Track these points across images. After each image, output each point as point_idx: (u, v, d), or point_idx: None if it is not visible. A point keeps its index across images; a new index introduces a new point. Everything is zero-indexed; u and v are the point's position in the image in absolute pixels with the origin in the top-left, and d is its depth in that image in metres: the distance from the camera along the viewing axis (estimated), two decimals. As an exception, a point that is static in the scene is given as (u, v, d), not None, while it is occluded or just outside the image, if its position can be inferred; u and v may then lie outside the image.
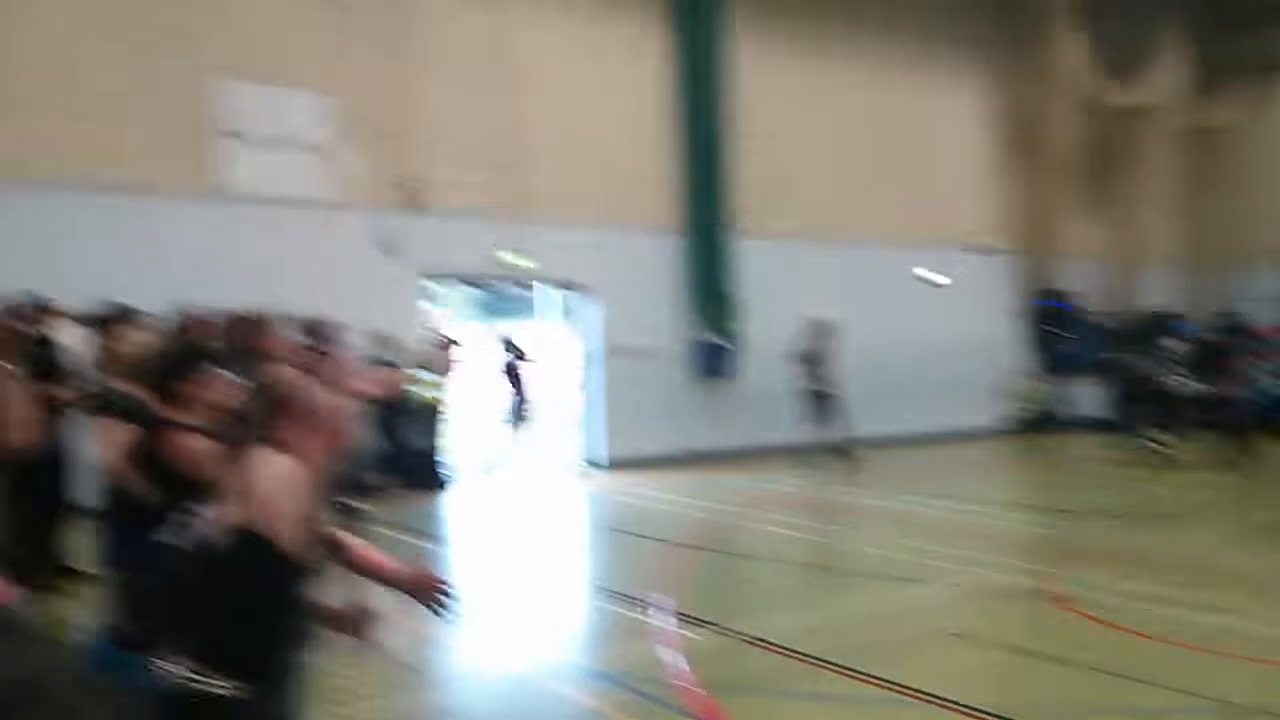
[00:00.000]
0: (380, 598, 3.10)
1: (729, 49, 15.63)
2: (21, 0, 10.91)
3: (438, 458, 13.02)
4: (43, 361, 7.59)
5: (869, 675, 5.63)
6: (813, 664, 5.92)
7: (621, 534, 10.64)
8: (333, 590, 3.01)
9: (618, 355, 14.81)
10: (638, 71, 15.10)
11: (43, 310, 8.29)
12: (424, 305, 13.78)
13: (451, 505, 12.26)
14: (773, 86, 16.04)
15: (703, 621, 6.77)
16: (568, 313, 15.39)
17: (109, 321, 7.46)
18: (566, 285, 15.12)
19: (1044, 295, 19.54)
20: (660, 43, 15.37)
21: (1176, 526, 10.30)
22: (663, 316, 15.26)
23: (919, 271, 17.48)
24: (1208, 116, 20.98)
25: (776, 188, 15.85)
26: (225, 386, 4.58)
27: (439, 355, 13.02)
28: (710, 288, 15.52)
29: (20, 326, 7.45)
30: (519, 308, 15.29)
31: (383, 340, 12.22)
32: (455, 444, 13.55)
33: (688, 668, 5.81)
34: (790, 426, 14.70)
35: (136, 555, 4.56)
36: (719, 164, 15.59)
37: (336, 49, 12.70)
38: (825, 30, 16.82)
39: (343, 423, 3.06)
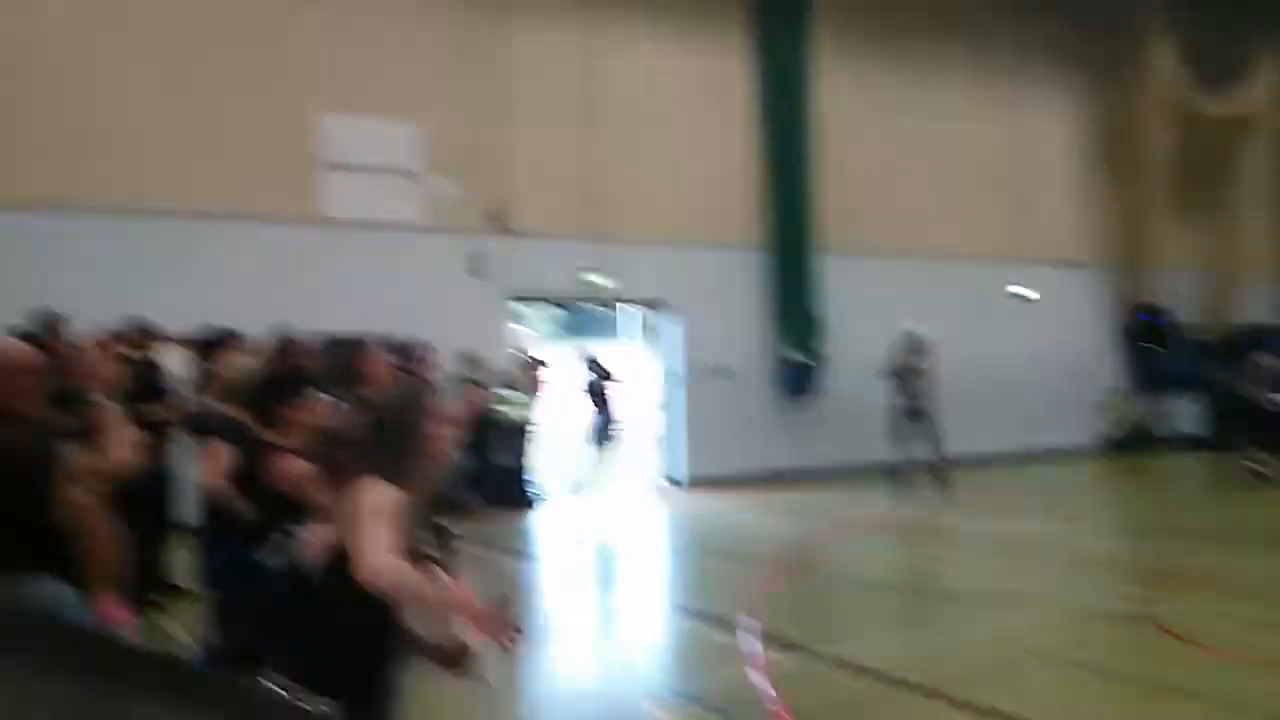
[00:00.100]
0: (465, 630, 3.16)
1: (814, 66, 15.58)
2: (133, 40, 11.32)
3: (525, 477, 13.15)
4: (147, 384, 7.85)
5: (962, 701, 5.55)
6: (904, 689, 5.85)
7: (708, 554, 10.63)
8: (424, 618, 3.07)
9: (703, 375, 14.80)
10: (723, 91, 15.13)
11: (148, 334, 8.57)
12: (511, 326, 13.95)
13: (539, 524, 12.36)
14: (858, 102, 15.95)
15: (790, 644, 6.73)
16: (651, 332, 15.44)
17: (212, 345, 7.69)
18: (650, 305, 15.19)
19: (1138, 310, 19.09)
20: (745, 62, 15.38)
21: (1275, 547, 9.98)
22: (746, 335, 15.23)
23: (1012, 288, 17.28)
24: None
25: (862, 204, 15.73)
26: (325, 410, 4.70)
27: (526, 375, 13.16)
28: (795, 306, 15.44)
29: (126, 350, 7.72)
30: (603, 327, 15.39)
31: (471, 361, 12.42)
32: (542, 463, 13.67)
33: (775, 692, 5.78)
34: (877, 445, 14.56)
35: (235, 574, 4.69)
36: (804, 181, 15.51)
37: (428, 80, 12.97)
38: (911, 45, 16.68)
39: (442, 446, 3.12)
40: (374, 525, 2.74)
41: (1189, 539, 10.55)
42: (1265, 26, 19.71)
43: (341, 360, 5.62)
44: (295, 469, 4.28)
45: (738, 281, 15.20)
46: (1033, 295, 17.30)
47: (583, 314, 15.11)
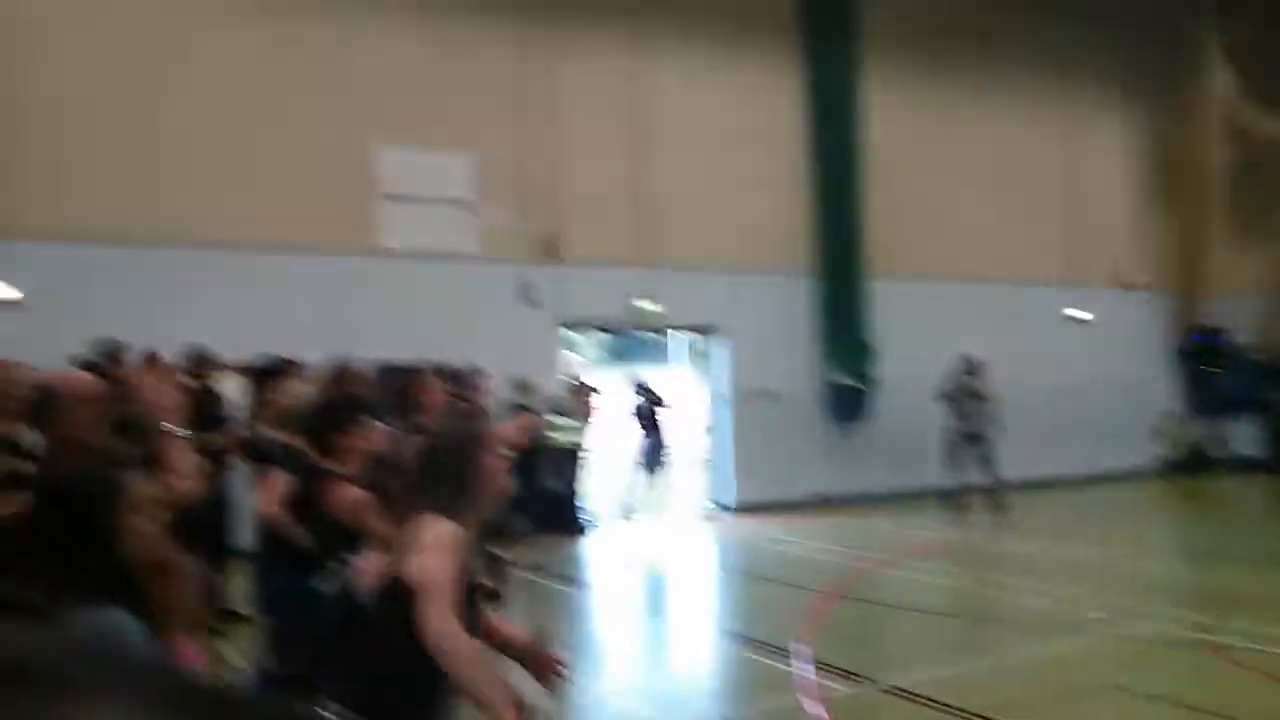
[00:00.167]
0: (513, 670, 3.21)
1: (863, 91, 15.57)
2: (194, 76, 11.58)
3: (577, 502, 13.19)
4: (207, 412, 8.00)
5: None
6: (959, 717, 5.79)
7: (758, 579, 10.58)
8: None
9: (749, 399, 14.78)
10: (772, 116, 15.15)
11: (206, 363, 8.74)
12: (562, 352, 14.04)
13: (590, 550, 12.39)
14: (908, 126, 15.92)
15: (844, 672, 6.69)
16: (699, 357, 15.47)
17: (269, 373, 7.82)
18: (699, 330, 15.23)
19: (1195, 331, 18.82)
20: (794, 87, 15.39)
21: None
22: (795, 360, 15.19)
23: (1069, 311, 17.17)
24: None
25: (912, 228, 15.69)
26: (381, 438, 4.76)
27: (577, 401, 13.24)
28: (844, 330, 15.38)
29: (186, 379, 7.88)
30: (652, 353, 15.44)
31: (523, 387, 12.51)
32: (594, 488, 13.73)
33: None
34: (927, 470, 14.47)
35: (291, 600, 4.75)
36: (854, 205, 15.48)
37: (479, 110, 13.13)
38: (961, 68, 16.63)
39: (500, 477, 3.16)
40: (437, 578, 2.77)
41: (1247, 562, 10.36)
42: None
43: (398, 388, 5.69)
44: (351, 496, 4.34)
45: (787, 306, 15.18)
46: (1086, 316, 17.14)
47: (632, 339, 15.17)
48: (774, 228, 15.05)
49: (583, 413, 13.24)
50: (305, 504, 4.78)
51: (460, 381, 8.54)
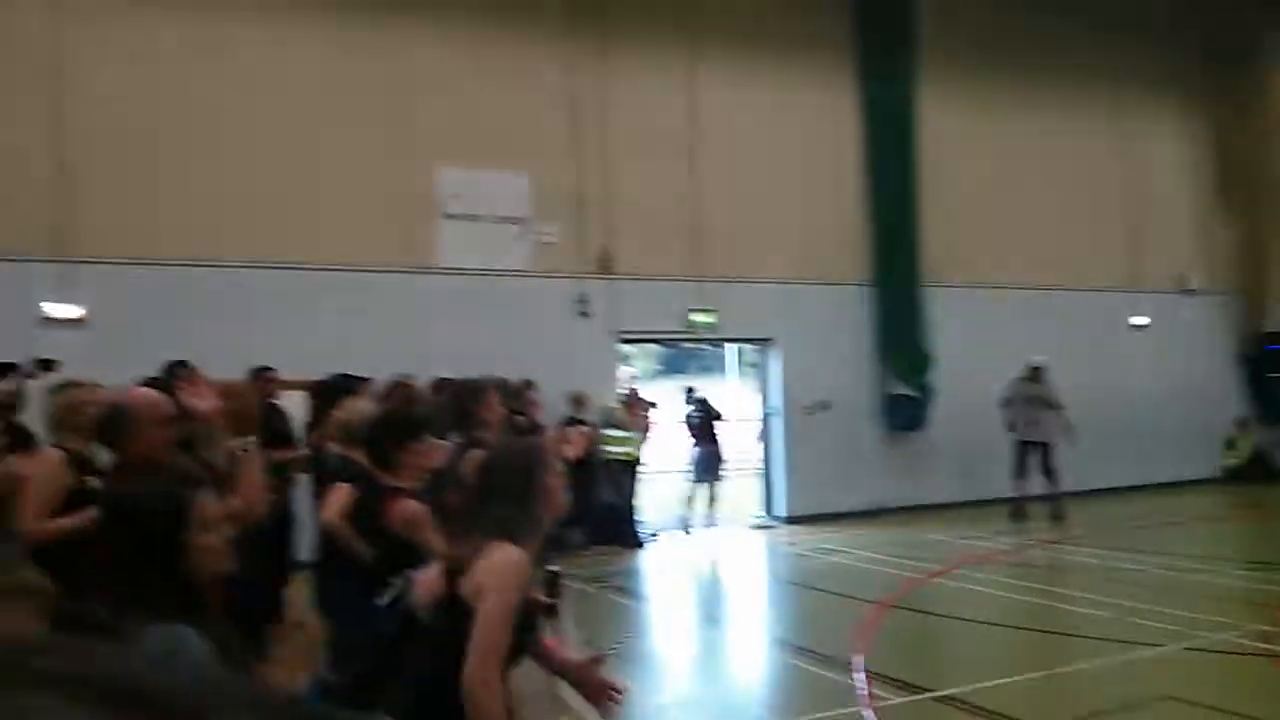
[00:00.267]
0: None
1: (919, 98, 15.49)
2: (258, 105, 11.83)
3: (633, 515, 13.25)
4: (271, 429, 8.18)
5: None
6: (1015, 729, 5.77)
7: (814, 590, 10.56)
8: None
9: (804, 410, 14.76)
10: (827, 126, 15.12)
11: (271, 380, 8.93)
12: (617, 365, 14.13)
13: (647, 562, 12.44)
14: (965, 133, 15.81)
15: (897, 681, 6.69)
16: (755, 369, 15.46)
17: (333, 390, 7.97)
18: (754, 341, 15.23)
19: (1259, 338, 18.47)
20: (850, 97, 15.35)
21: None
22: (850, 370, 15.13)
23: (1134, 320, 17.02)
24: None
25: (970, 236, 15.58)
26: (440, 453, 4.84)
27: (633, 414, 13.30)
28: (901, 339, 15.30)
29: (251, 397, 8.07)
30: (707, 365, 15.48)
31: (579, 401, 12.62)
32: (649, 501, 13.78)
33: (884, 730, 5.76)
34: (985, 479, 14.36)
35: (350, 611, 4.85)
36: (911, 213, 15.40)
37: (534, 128, 13.27)
38: (1018, 75, 16.49)
39: (559, 495, 3.21)
40: (493, 624, 2.82)
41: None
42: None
43: (457, 403, 5.77)
44: (409, 511, 4.41)
45: (841, 316, 15.11)
46: (1143, 320, 17.02)
47: (687, 352, 15.22)
48: (828, 238, 15.02)
49: (638, 426, 13.31)
50: (367, 518, 4.87)
51: (515, 397, 8.65)
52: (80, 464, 4.52)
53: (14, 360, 7.27)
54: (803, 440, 14.74)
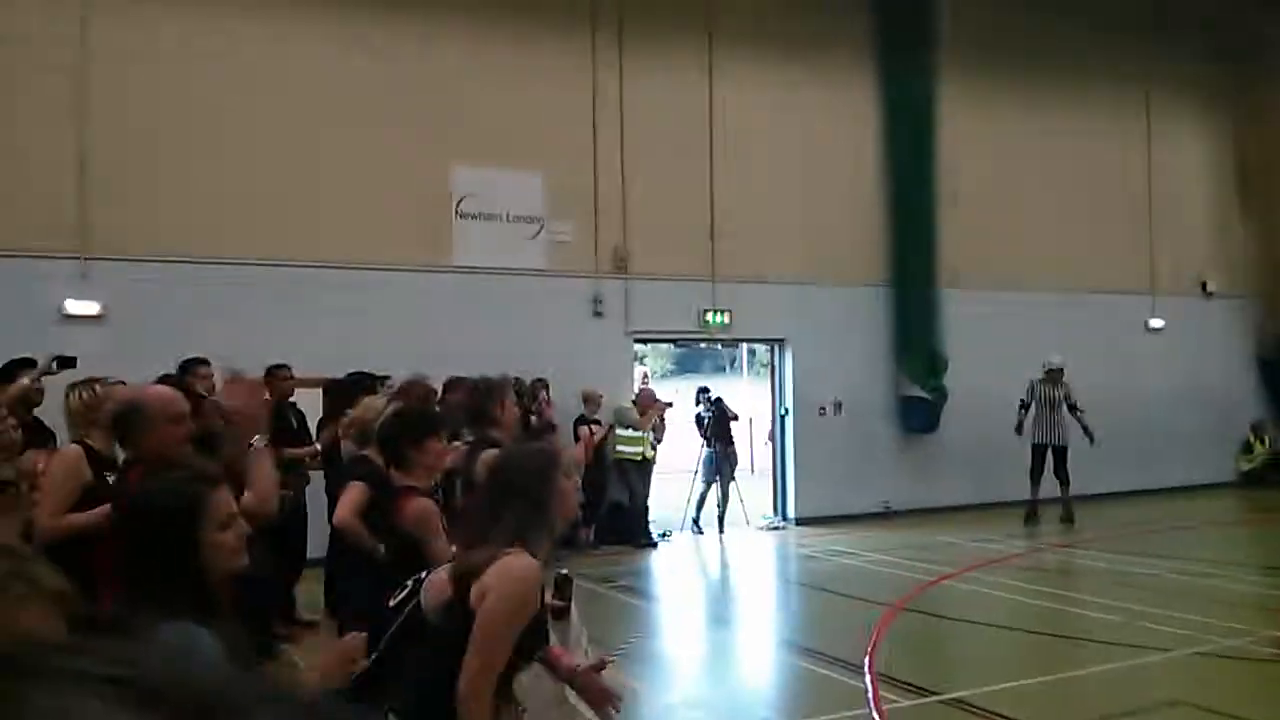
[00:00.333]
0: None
1: (938, 99, 15.40)
2: (277, 104, 11.88)
3: (645, 514, 13.27)
4: (284, 427, 8.23)
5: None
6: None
7: (823, 592, 10.56)
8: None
9: (817, 410, 14.76)
10: (843, 128, 15.06)
11: (285, 378, 8.97)
12: (631, 365, 14.15)
13: (657, 562, 12.46)
14: (983, 134, 15.75)
15: (906, 684, 6.70)
16: (768, 369, 15.46)
17: (348, 388, 8.02)
18: (769, 342, 15.23)
19: (1277, 342, 18.36)
20: (866, 98, 15.29)
21: None
22: (864, 371, 15.10)
23: (1150, 322, 16.94)
24: None
25: (986, 237, 15.53)
26: (453, 453, 4.86)
27: (646, 413, 13.32)
28: (916, 341, 15.25)
29: (265, 394, 8.11)
30: (720, 364, 15.49)
31: (592, 400, 12.65)
32: (661, 501, 13.79)
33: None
34: (998, 482, 14.35)
35: (360, 609, 4.88)
36: (928, 215, 15.32)
37: (548, 127, 13.29)
38: (1037, 76, 16.40)
39: (571, 500, 3.23)
40: (493, 639, 2.84)
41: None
42: None
43: (473, 402, 5.79)
44: (419, 508, 4.42)
45: (854, 317, 15.07)
46: (1158, 324, 16.99)
47: (700, 352, 15.23)
48: (843, 238, 14.99)
49: (651, 425, 13.33)
50: (378, 515, 4.90)
51: (526, 395, 8.67)
52: (99, 460, 4.57)
53: (32, 356, 7.33)
54: (815, 441, 14.74)
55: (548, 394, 11.92)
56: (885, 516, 14.62)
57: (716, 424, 14.22)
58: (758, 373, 15.54)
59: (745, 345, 15.32)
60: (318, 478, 8.41)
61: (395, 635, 3.60)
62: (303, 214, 11.91)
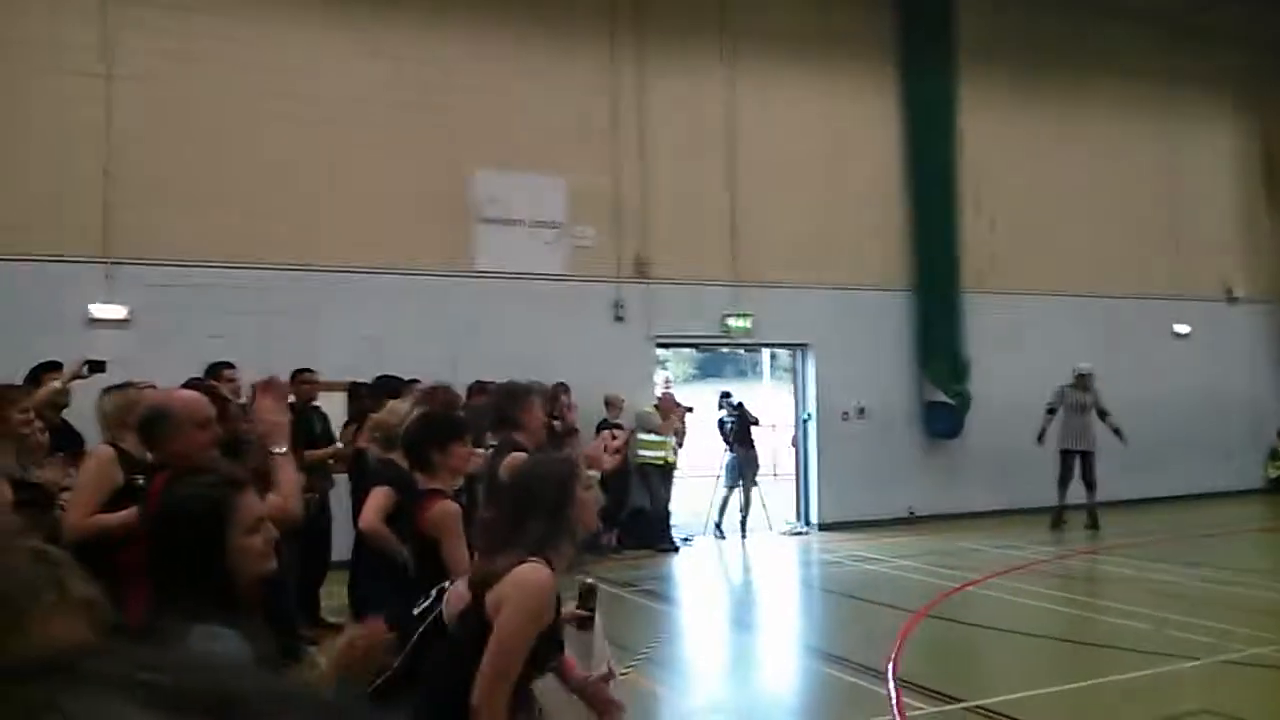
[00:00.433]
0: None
1: (960, 104, 15.35)
2: (300, 110, 11.94)
3: (667, 519, 13.26)
4: (309, 430, 8.27)
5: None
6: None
7: (846, 597, 10.53)
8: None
9: (840, 416, 14.72)
10: (865, 132, 15.04)
11: (310, 382, 9.02)
12: (654, 370, 14.14)
13: (679, 566, 12.44)
14: (1005, 139, 15.70)
15: (929, 691, 6.66)
16: (791, 374, 15.43)
17: (372, 392, 8.06)
18: (791, 347, 15.20)
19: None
20: (889, 98, 15.26)
21: None
22: (887, 376, 15.06)
23: (1177, 328, 16.84)
24: None
25: (1010, 242, 15.47)
26: (477, 457, 4.87)
27: (669, 418, 13.32)
28: (939, 346, 15.17)
29: (290, 398, 8.16)
30: (743, 369, 15.47)
31: (614, 404, 12.66)
32: (683, 505, 13.78)
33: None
34: (1022, 488, 14.27)
35: (383, 613, 4.90)
36: (951, 220, 15.28)
37: (571, 132, 13.33)
38: (1059, 80, 16.32)
39: (591, 511, 3.24)
40: (507, 650, 2.85)
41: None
42: None
43: (496, 406, 5.80)
44: (448, 513, 4.43)
45: (880, 321, 15.03)
46: (1184, 329, 16.85)
47: (722, 356, 15.22)
48: (866, 243, 14.95)
49: (673, 430, 13.33)
50: (402, 519, 4.91)
51: (548, 399, 8.68)
52: (131, 463, 4.60)
53: (59, 359, 7.41)
54: (837, 446, 14.70)
55: (569, 397, 11.93)
56: (909, 522, 14.57)
57: (738, 429, 14.20)
58: (779, 377, 15.46)
59: (767, 350, 15.26)
60: (342, 481, 8.47)
61: (418, 643, 3.62)
62: (327, 219, 11.98)
